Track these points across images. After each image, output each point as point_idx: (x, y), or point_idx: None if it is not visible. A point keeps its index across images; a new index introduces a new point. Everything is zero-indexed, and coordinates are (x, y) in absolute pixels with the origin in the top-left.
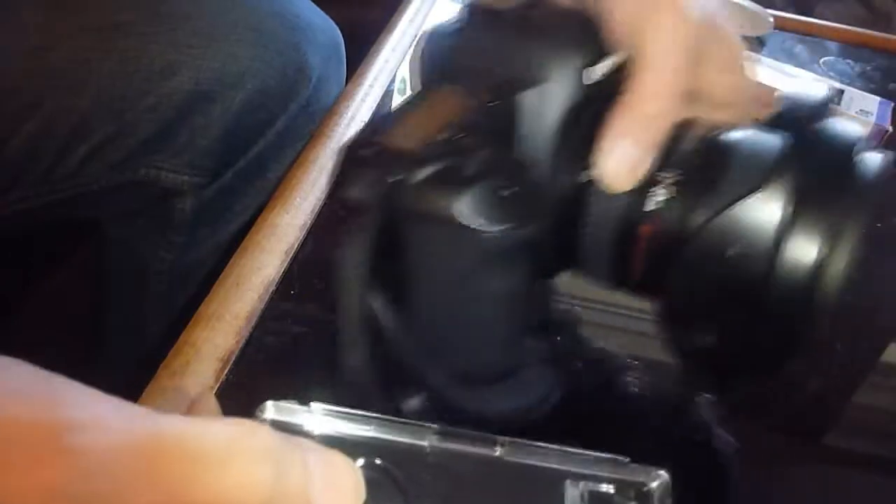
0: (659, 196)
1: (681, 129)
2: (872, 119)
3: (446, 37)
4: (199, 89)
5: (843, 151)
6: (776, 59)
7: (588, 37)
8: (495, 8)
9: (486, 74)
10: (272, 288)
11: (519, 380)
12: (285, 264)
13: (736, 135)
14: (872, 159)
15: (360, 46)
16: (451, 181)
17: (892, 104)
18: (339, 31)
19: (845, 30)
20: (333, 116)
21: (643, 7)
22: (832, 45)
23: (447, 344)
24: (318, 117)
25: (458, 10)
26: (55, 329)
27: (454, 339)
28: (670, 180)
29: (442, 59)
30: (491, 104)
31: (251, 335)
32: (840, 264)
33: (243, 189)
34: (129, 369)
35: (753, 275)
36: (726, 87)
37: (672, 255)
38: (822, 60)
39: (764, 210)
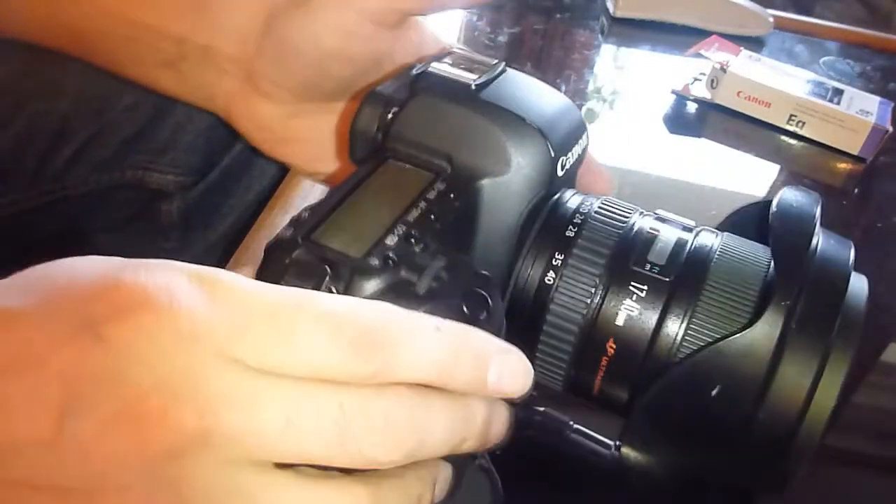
0: (629, 309)
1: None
2: (872, 119)
3: (391, 103)
4: None
5: (836, 278)
6: (776, 59)
7: (565, 121)
8: (451, 76)
9: (441, 156)
10: None
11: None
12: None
13: (716, 244)
14: (859, 284)
15: None
16: (403, 299)
17: (892, 104)
18: None
19: (845, 30)
20: None
21: None
22: (832, 45)
23: None
24: None
25: (403, 73)
26: None
27: None
28: (641, 293)
29: (386, 131)
30: (449, 195)
31: None
32: (829, 401)
33: (230, 187)
34: None
35: (736, 415)
36: None
37: (640, 376)
38: (822, 60)
39: (756, 346)
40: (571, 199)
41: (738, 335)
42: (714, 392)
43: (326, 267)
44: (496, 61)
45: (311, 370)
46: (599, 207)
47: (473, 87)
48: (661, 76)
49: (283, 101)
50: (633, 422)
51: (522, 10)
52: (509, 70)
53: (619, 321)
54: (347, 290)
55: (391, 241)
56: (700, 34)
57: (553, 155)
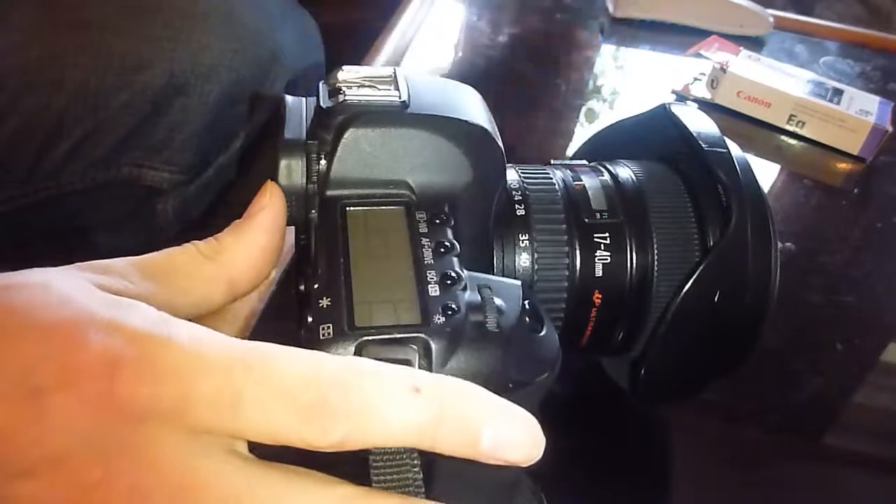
0: (602, 258)
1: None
2: (872, 119)
3: (313, 149)
4: (173, 83)
5: (747, 166)
6: (776, 59)
7: (485, 108)
8: (371, 100)
9: (399, 186)
10: (272, 288)
11: None
12: (285, 264)
13: (629, 174)
14: (742, 156)
15: (359, 48)
16: (483, 342)
17: (892, 104)
18: (310, 17)
19: (845, 30)
20: None
21: None
22: (832, 45)
23: None
24: None
25: (293, 110)
26: None
27: None
28: (606, 241)
29: (324, 180)
30: (434, 220)
31: (251, 335)
32: (775, 267)
33: (226, 187)
34: None
35: (733, 306)
36: None
37: (630, 312)
38: (822, 60)
39: (734, 248)
40: None
41: (720, 244)
42: (716, 297)
43: (413, 346)
44: (390, 68)
45: (264, 438)
46: (524, 178)
47: (399, 103)
48: (661, 76)
49: None
50: (653, 343)
51: (522, 10)
52: (406, 73)
53: (598, 272)
54: (436, 360)
55: (434, 290)
56: (700, 34)
57: (501, 147)
